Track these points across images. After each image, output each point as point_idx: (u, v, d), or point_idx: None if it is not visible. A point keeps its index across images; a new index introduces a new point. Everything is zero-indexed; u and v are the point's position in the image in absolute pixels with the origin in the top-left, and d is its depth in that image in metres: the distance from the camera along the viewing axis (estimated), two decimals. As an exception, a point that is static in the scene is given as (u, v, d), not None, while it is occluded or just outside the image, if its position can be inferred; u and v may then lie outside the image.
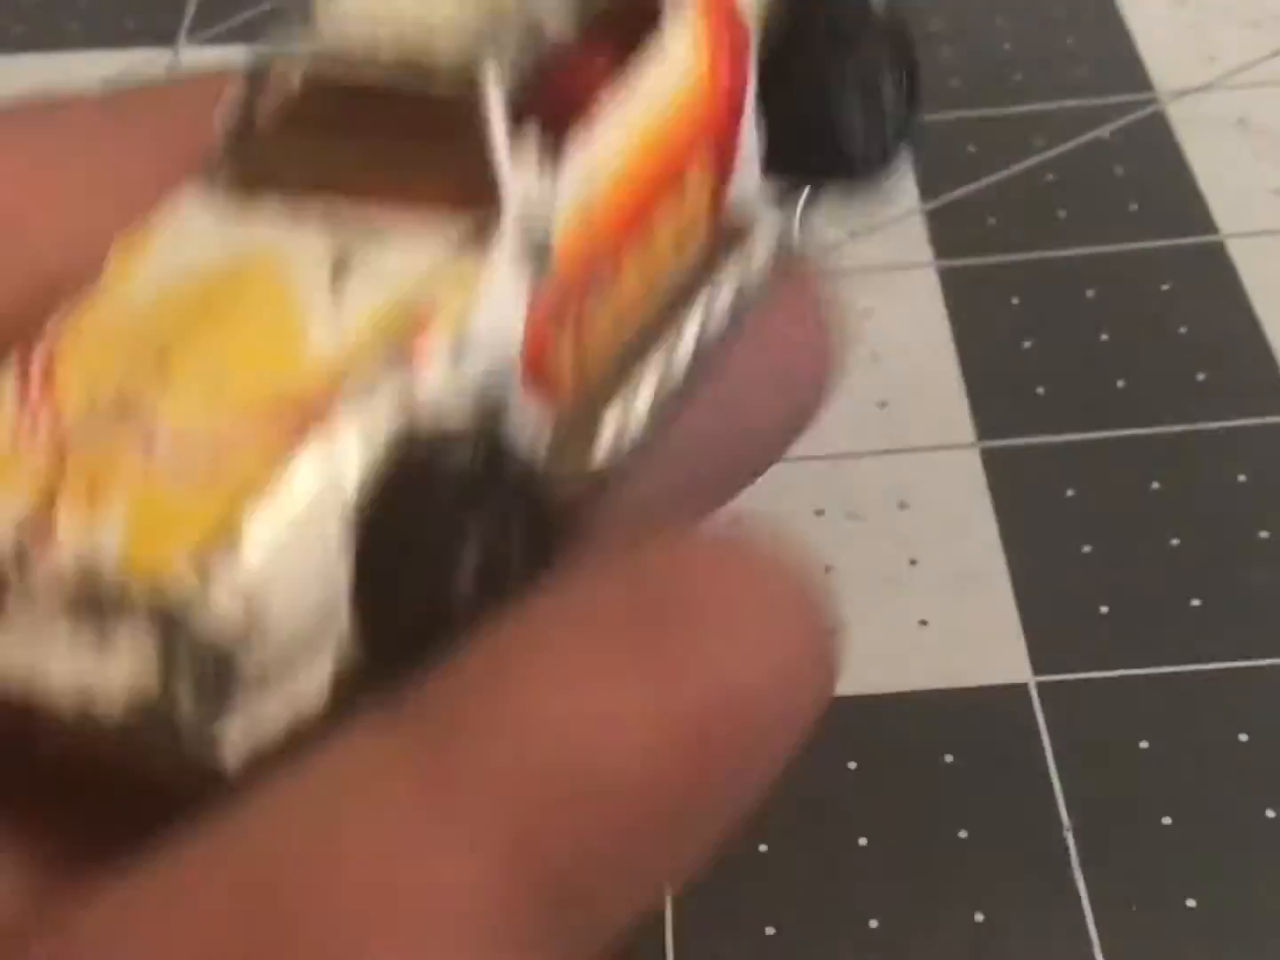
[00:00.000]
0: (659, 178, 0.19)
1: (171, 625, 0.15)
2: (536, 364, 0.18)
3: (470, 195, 0.17)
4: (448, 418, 0.16)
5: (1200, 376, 0.37)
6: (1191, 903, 0.28)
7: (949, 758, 0.30)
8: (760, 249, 0.20)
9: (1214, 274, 0.39)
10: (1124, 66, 0.45)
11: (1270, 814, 0.29)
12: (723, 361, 0.20)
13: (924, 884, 0.28)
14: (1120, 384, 0.37)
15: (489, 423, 0.17)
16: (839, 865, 0.29)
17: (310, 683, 0.16)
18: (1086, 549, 0.33)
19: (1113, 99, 0.44)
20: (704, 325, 0.20)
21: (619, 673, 0.14)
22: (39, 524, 0.16)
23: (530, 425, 0.17)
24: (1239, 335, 0.37)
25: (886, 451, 0.36)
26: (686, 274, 0.20)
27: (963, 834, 0.29)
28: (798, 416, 0.22)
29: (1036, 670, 0.31)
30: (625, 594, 0.15)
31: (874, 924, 0.28)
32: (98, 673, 0.15)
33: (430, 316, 0.17)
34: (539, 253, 0.17)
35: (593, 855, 0.14)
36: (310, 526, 0.15)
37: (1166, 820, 0.29)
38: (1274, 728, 0.30)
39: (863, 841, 0.29)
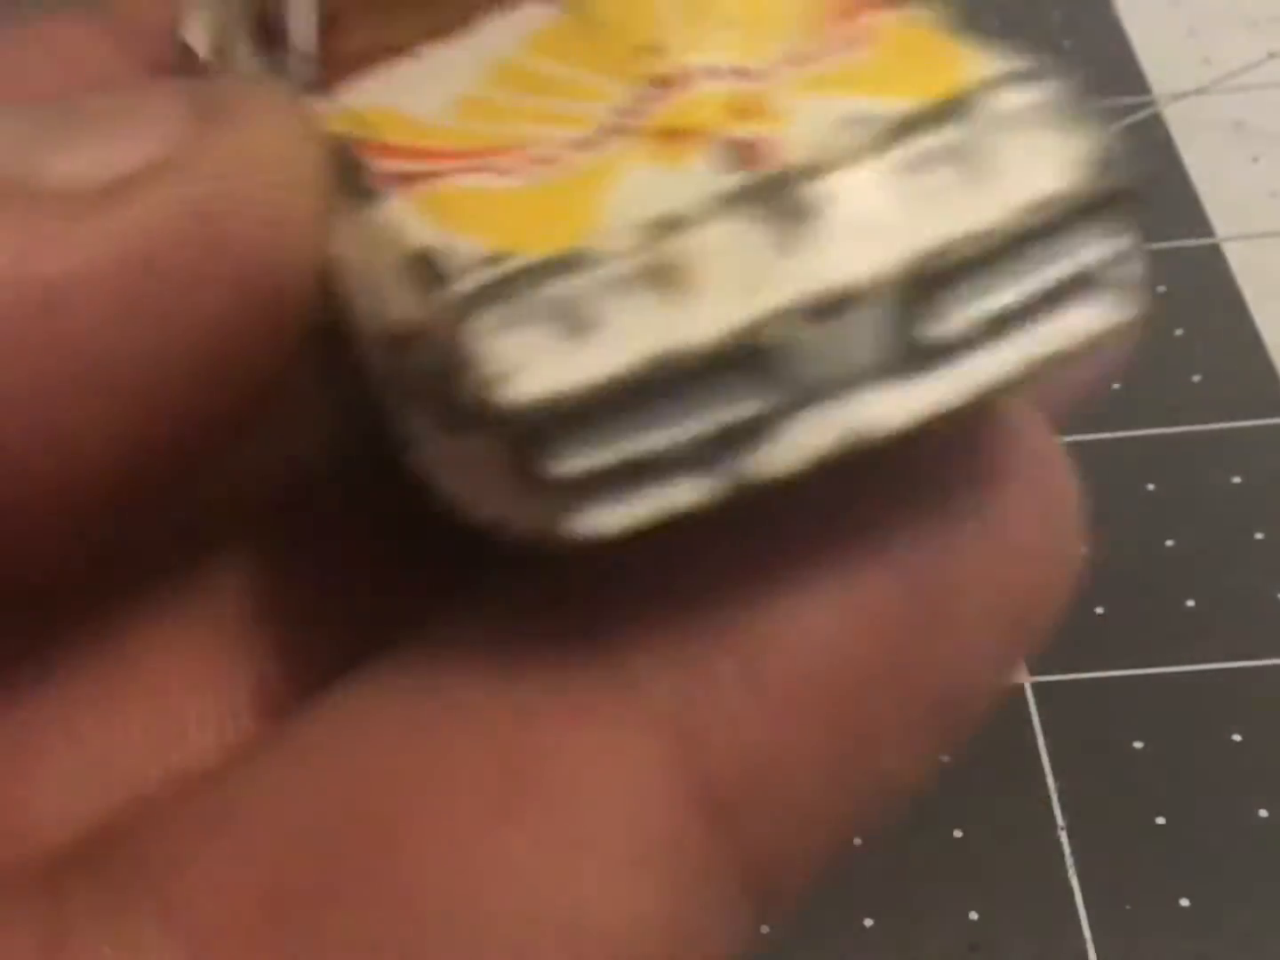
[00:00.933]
0: None
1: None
2: None
3: None
4: None
5: (1196, 378, 0.37)
6: (1185, 902, 0.28)
7: (944, 757, 0.30)
8: None
9: (1210, 276, 0.39)
10: (1121, 69, 0.45)
11: (1263, 814, 0.29)
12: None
13: (920, 883, 0.29)
14: (1116, 386, 0.37)
15: None
16: (834, 865, 0.29)
17: None
18: (1081, 550, 0.33)
19: (1110, 102, 0.44)
20: None
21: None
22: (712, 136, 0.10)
23: None
24: (1235, 338, 0.38)
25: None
26: None
27: (958, 833, 0.29)
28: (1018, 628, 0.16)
29: (1032, 671, 0.31)
30: None
31: (869, 923, 0.28)
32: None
33: None
34: None
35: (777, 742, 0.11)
36: None
37: (1160, 820, 0.29)
38: (1267, 728, 0.30)
39: (857, 840, 0.29)
